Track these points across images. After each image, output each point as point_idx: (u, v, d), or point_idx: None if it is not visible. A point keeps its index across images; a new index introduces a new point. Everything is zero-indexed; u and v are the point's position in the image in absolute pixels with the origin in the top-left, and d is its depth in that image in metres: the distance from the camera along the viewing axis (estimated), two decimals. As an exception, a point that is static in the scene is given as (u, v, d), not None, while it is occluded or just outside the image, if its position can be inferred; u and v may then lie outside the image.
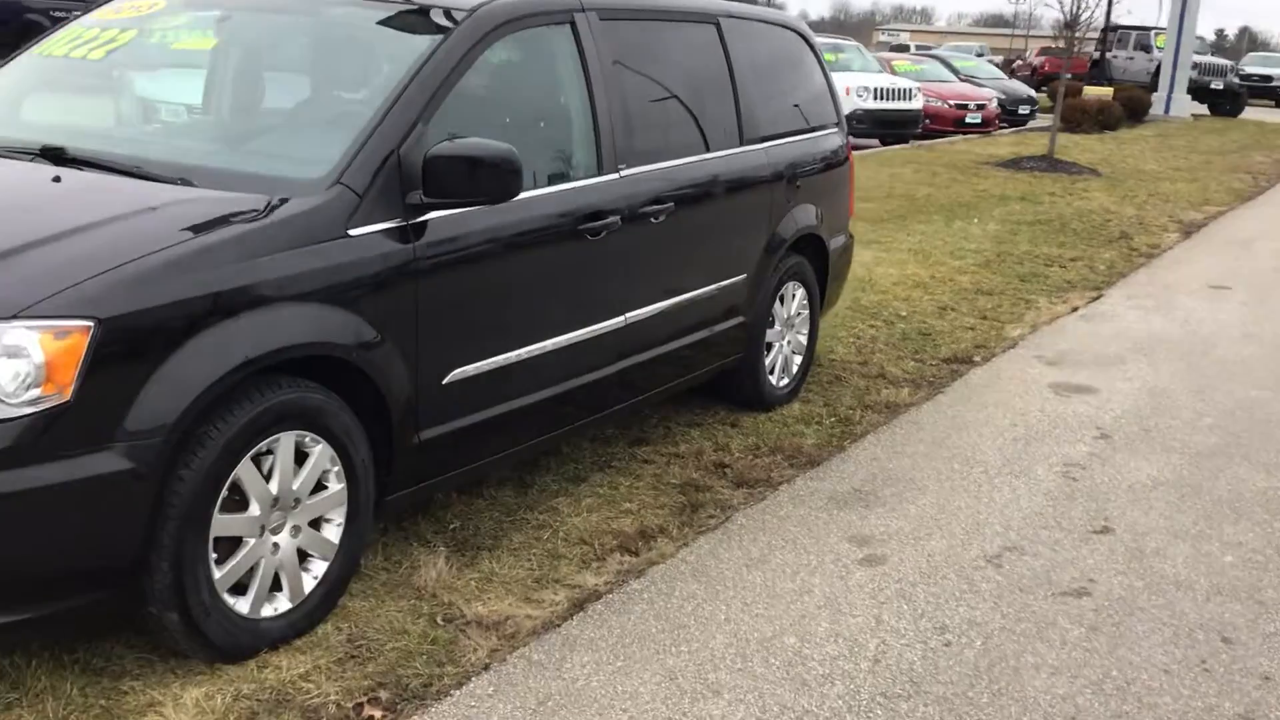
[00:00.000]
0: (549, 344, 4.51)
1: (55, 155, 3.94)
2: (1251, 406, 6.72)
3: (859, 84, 20.98)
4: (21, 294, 3.09)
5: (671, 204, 5.07)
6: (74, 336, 3.08)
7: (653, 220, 4.98)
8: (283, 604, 3.69)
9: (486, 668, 3.65)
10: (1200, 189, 16.83)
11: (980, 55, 43.14)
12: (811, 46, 6.73)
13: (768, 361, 6.21)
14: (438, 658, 3.69)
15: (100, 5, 5.01)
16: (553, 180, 4.58)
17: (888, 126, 21.39)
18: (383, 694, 3.49)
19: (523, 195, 4.18)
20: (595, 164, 4.75)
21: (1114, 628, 4.11)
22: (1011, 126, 26.53)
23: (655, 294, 5.10)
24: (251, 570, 3.57)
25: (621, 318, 4.89)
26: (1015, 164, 17.95)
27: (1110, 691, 3.71)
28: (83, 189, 3.76)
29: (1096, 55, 37.89)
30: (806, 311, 6.54)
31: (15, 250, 3.25)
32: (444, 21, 4.27)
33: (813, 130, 6.53)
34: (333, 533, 3.81)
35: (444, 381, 4.09)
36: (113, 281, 3.18)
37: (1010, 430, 6.12)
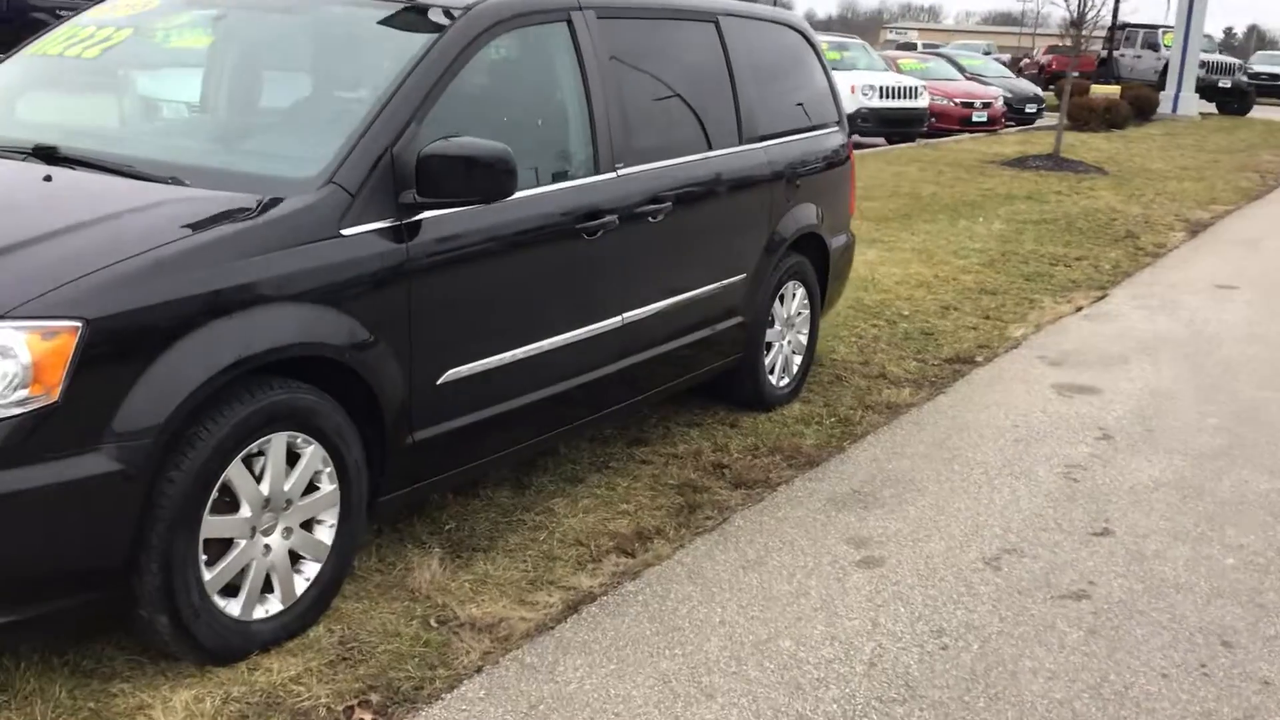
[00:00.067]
0: (545, 344, 4.49)
1: (47, 155, 3.92)
2: (1256, 407, 6.68)
3: (864, 82, 20.95)
4: (9, 294, 3.07)
5: (669, 203, 5.04)
6: (62, 337, 3.06)
7: (650, 220, 4.95)
8: (274, 606, 3.66)
9: (479, 670, 3.63)
10: (1207, 188, 16.77)
11: (987, 53, 42.99)
12: (812, 45, 6.70)
13: (767, 361, 6.18)
14: (430, 660, 3.67)
15: (96, 3, 5.00)
16: (549, 179, 4.56)
17: (893, 125, 21.35)
18: (373, 697, 3.47)
19: (518, 195, 4.16)
20: (592, 163, 4.73)
21: (1113, 631, 4.08)
22: (1018, 125, 26.46)
23: (653, 294, 5.07)
24: (243, 572, 3.55)
25: (619, 318, 4.86)
26: (1021, 163, 17.90)
27: (1108, 696, 3.68)
28: (73, 188, 3.74)
29: (1104, 53, 37.78)
30: (807, 311, 6.51)
31: (3, 250, 3.23)
32: (438, 20, 4.25)
33: (813, 129, 6.49)
34: (325, 534, 3.79)
35: (438, 382, 4.07)
36: (101, 282, 3.16)
37: (1011, 431, 6.09)
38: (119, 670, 3.49)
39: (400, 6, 4.39)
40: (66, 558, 3.15)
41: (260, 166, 3.89)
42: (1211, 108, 34.54)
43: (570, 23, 4.73)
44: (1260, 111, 35.36)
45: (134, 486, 3.18)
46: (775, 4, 7.76)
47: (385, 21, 4.39)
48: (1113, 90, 29.11)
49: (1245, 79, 36.80)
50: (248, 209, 3.56)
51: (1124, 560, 4.63)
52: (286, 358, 3.54)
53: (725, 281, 5.61)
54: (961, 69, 27.52)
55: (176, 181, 3.74)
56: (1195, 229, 13.22)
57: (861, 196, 13.48)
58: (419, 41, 4.15)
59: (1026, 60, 49.47)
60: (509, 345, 4.33)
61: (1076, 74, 22.43)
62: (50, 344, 3.05)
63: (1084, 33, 20.08)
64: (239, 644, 3.55)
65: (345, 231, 3.70)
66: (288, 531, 3.65)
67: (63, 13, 9.15)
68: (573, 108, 4.73)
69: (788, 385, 6.39)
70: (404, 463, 4.03)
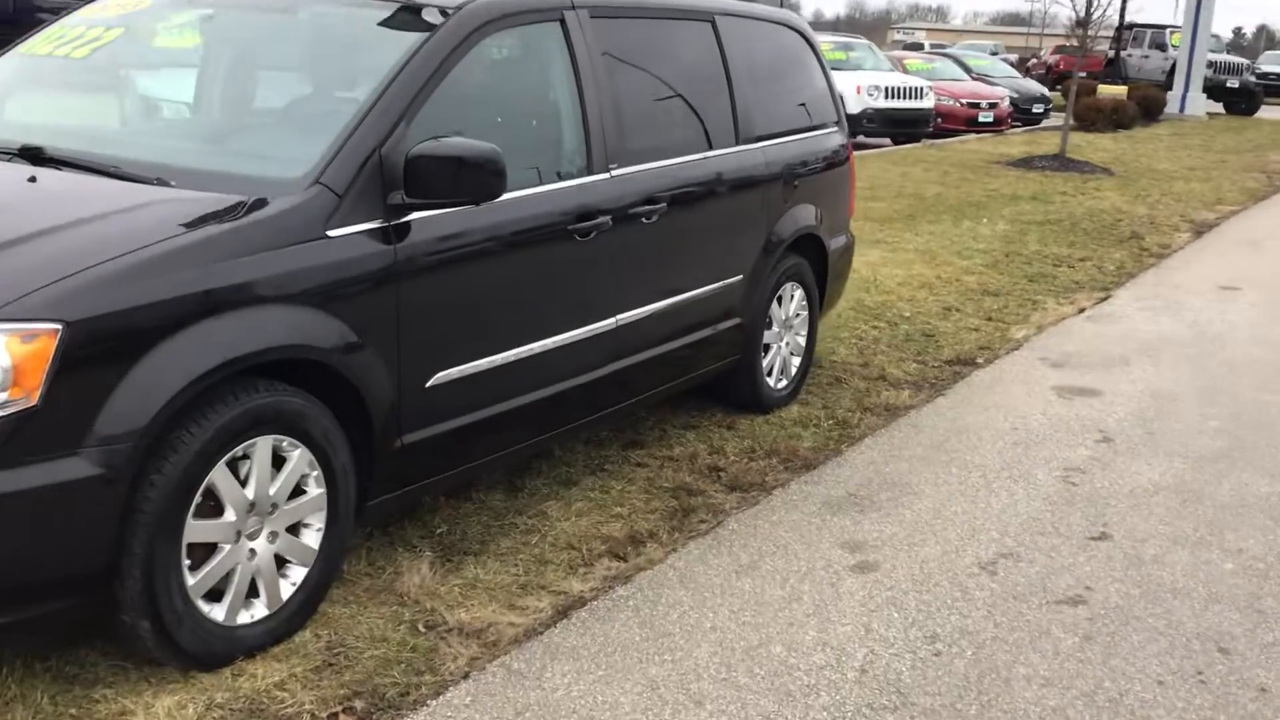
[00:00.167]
0: (537, 347, 4.45)
1: (33, 155, 3.89)
2: (1258, 410, 6.62)
3: (870, 83, 20.90)
4: (-11, 296, 3.04)
5: (664, 204, 5.00)
6: (41, 339, 3.03)
7: (644, 221, 4.91)
8: (260, 611, 3.63)
9: (465, 676, 3.59)
10: (1214, 188, 16.69)
11: (995, 54, 42.95)
12: (811, 44, 6.65)
13: (765, 363, 6.14)
14: (416, 666, 3.63)
15: (87, 3, 4.96)
16: (541, 180, 4.51)
17: (899, 125, 21.29)
18: (358, 703, 3.43)
19: (510, 195, 4.13)
20: (585, 164, 4.69)
21: (1108, 637, 4.03)
22: (1024, 125, 26.39)
23: (647, 295, 5.04)
24: (227, 577, 3.52)
25: (612, 320, 4.82)
26: (1027, 163, 17.84)
27: (1102, 704, 3.63)
28: (58, 189, 3.71)
29: (1111, 54, 37.69)
30: (805, 313, 6.47)
31: (-15, 252, 3.20)
32: (429, 19, 4.21)
33: (812, 129, 6.45)
34: (312, 538, 3.75)
35: (427, 385, 4.03)
36: (82, 284, 3.13)
37: (1011, 434, 6.04)
38: (102, 676, 3.46)
39: (390, 6, 4.35)
40: (46, 563, 3.12)
41: (246, 167, 3.86)
42: (1219, 108, 34.43)
43: (563, 22, 4.69)
44: (1268, 112, 35.24)
45: (115, 491, 3.15)
46: (782, 3, 7.70)
47: (375, 21, 4.34)
48: (1120, 90, 29.03)
49: (1253, 79, 36.64)
50: (232, 210, 3.52)
51: (1121, 565, 4.58)
52: (272, 360, 3.50)
53: (721, 283, 5.57)
54: (968, 69, 27.45)
55: (162, 182, 3.70)
56: (1201, 230, 13.16)
57: (865, 197, 13.45)
58: (409, 41, 4.12)
59: (1034, 60, 49.38)
60: (500, 348, 4.29)
61: (1083, 74, 22.36)
62: (30, 347, 3.01)
63: (1090, 33, 20.02)
64: (223, 649, 3.52)
65: (332, 233, 3.67)
66: (273, 536, 3.62)
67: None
68: (565, 108, 4.69)
69: (786, 387, 6.35)
70: (393, 466, 3.99)
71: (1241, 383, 7.15)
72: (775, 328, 6.19)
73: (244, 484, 3.49)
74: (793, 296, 6.31)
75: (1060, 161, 17.81)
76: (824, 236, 6.45)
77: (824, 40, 22.99)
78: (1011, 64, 37.76)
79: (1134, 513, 5.10)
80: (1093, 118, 24.85)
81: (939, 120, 22.56)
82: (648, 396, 5.32)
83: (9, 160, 3.90)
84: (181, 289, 3.29)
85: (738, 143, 5.71)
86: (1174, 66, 33.19)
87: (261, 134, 4.32)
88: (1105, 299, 9.39)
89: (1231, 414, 6.52)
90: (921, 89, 21.76)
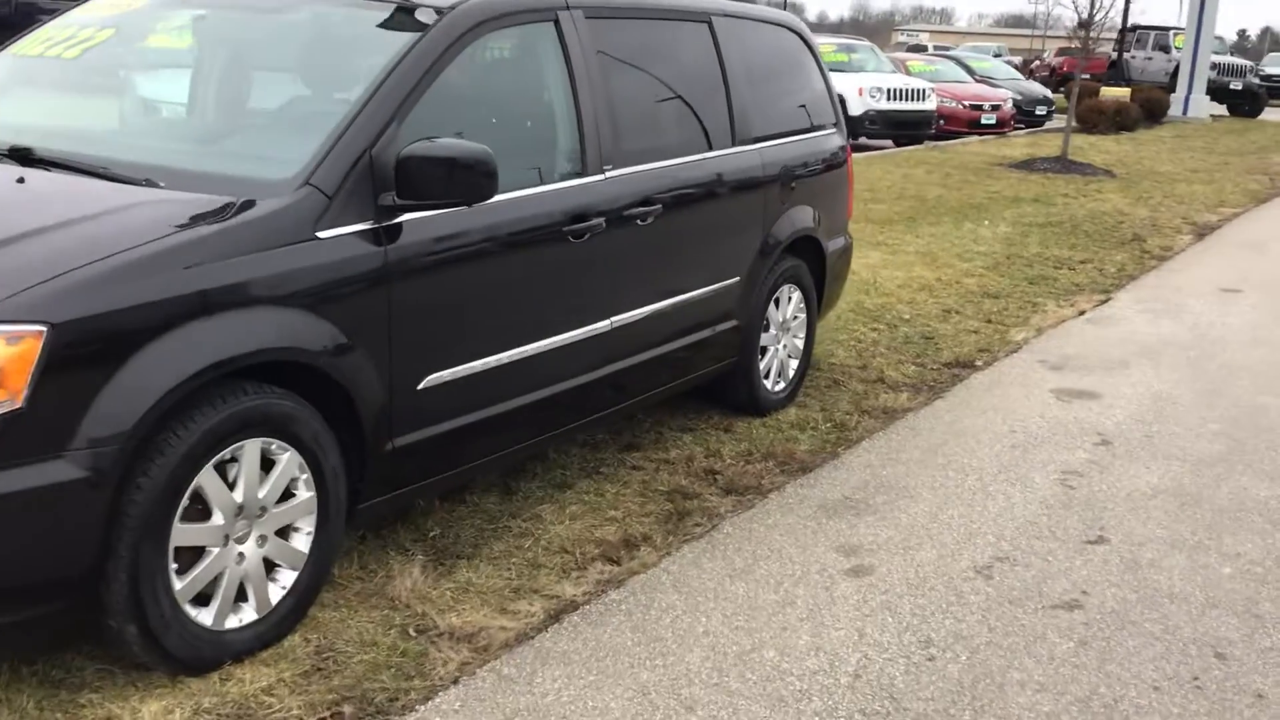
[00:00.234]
0: (530, 349, 4.43)
1: (22, 156, 3.87)
2: (1257, 413, 6.59)
3: (872, 84, 20.87)
4: (-28, 298, 3.02)
5: (659, 206, 4.97)
6: (26, 341, 3.00)
7: (639, 222, 4.89)
8: (249, 615, 3.60)
9: (455, 681, 3.57)
10: (1216, 191, 16.66)
11: (998, 55, 42.91)
12: (809, 46, 6.63)
13: (762, 366, 6.11)
14: (406, 671, 3.61)
15: (80, 3, 4.95)
16: (535, 181, 4.48)
17: (901, 127, 21.26)
18: (346, 709, 3.40)
19: (503, 197, 4.12)
20: (580, 165, 4.66)
21: (1104, 642, 4.00)
22: (1028, 127, 26.35)
23: (643, 297, 5.01)
24: (215, 581, 3.49)
25: (607, 321, 4.80)
26: (1029, 165, 17.80)
27: (1097, 710, 3.60)
28: (46, 191, 3.68)
29: (1114, 55, 37.64)
30: (803, 315, 6.44)
31: (-30, 254, 3.18)
32: (421, 19, 4.18)
33: (810, 131, 6.42)
34: (302, 542, 3.73)
35: (419, 387, 4.01)
36: (67, 285, 3.11)
37: (1009, 436, 6.01)
38: (88, 680, 3.43)
39: (382, 5, 4.33)
40: (30, 566, 3.10)
41: (236, 168, 3.84)
42: (1223, 110, 34.38)
43: (557, 23, 4.66)
44: (1272, 114, 35.22)
45: (100, 494, 3.12)
46: (786, 5, 7.67)
47: (367, 21, 4.32)
48: (1123, 92, 28.98)
49: (1257, 81, 36.59)
50: (220, 211, 3.50)
51: (1118, 569, 4.55)
52: (260, 362, 3.48)
53: (717, 285, 5.54)
54: (971, 71, 27.41)
55: (151, 183, 3.68)
56: (1203, 232, 13.12)
57: (866, 199, 13.43)
58: (400, 41, 4.09)
59: (1037, 62, 49.35)
60: (492, 350, 4.26)
61: (1086, 76, 22.31)
62: (14, 349, 2.99)
63: (1093, 34, 19.98)
64: (211, 654, 3.49)
65: (321, 234, 3.64)
66: (262, 539, 3.59)
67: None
68: (559, 109, 4.66)
69: (783, 390, 6.32)
70: (384, 469, 3.97)
71: (1241, 385, 7.12)
72: (772, 330, 6.16)
73: (232, 487, 3.47)
74: (790, 299, 6.28)
75: (1062, 163, 17.78)
76: (822, 238, 6.43)
77: (826, 42, 23.05)
78: (1015, 66, 37.75)
79: (1131, 516, 5.06)
80: (1095, 120, 24.81)
81: (941, 122, 22.53)
82: (644, 399, 5.30)
83: (-1, 161, 3.88)
84: (168, 291, 3.26)
85: (734, 144, 5.68)
86: (1177, 68, 33.13)
87: (252, 135, 4.29)
88: (1105, 301, 9.36)
89: (1231, 417, 6.49)
90: (924, 91, 21.73)
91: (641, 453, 5.50)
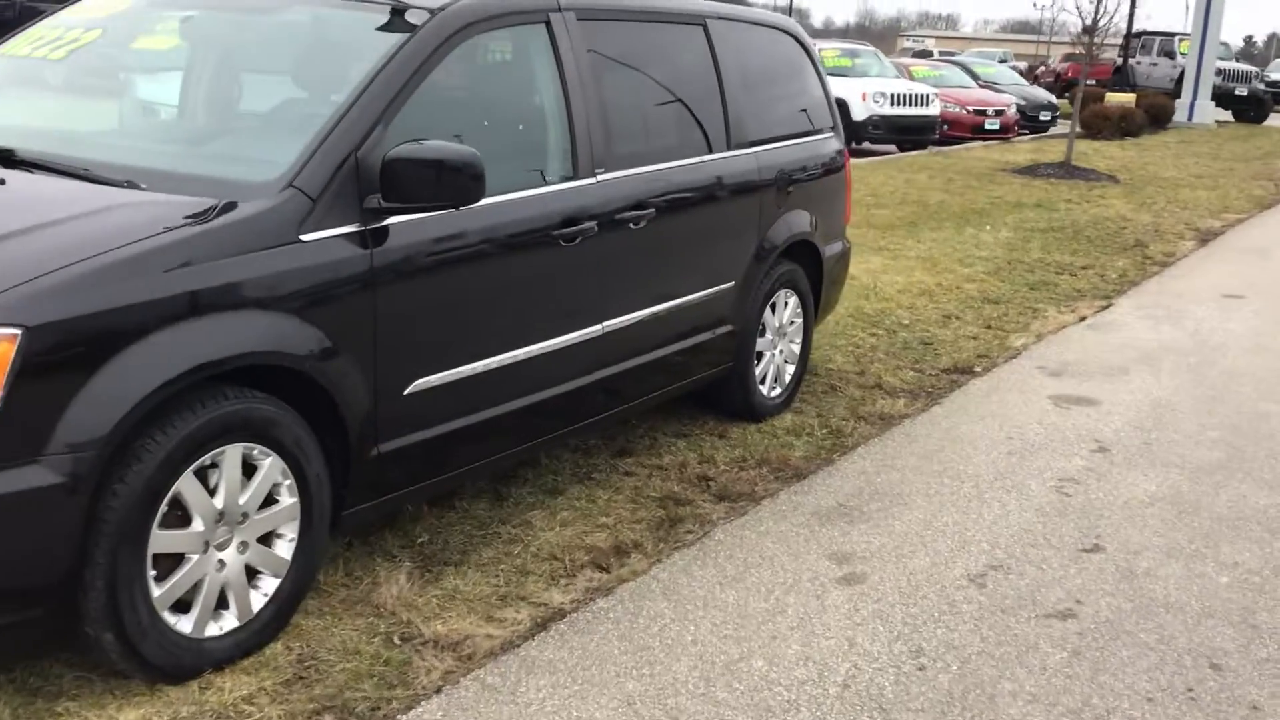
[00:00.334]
0: (520, 353, 4.38)
1: (4, 157, 3.83)
2: (1258, 420, 6.53)
3: (875, 89, 20.83)
4: (-53, 301, 2.98)
5: (652, 210, 4.93)
6: (1, 345, 2.96)
7: (632, 226, 4.84)
8: (230, 622, 3.55)
9: (438, 691, 3.52)
10: (1220, 196, 16.59)
11: (1003, 61, 42.79)
12: (806, 49, 6.58)
13: (758, 371, 6.06)
14: (389, 680, 3.56)
15: (70, 3, 4.91)
16: (525, 184, 4.43)
17: (904, 132, 21.21)
18: (327, 718, 3.36)
19: (492, 200, 4.08)
20: (571, 168, 4.62)
21: (1098, 652, 3.95)
22: (1032, 133, 26.29)
23: (635, 302, 4.96)
24: (195, 588, 3.44)
25: (599, 326, 4.75)
26: (1032, 170, 17.75)
27: (1089, 721, 3.55)
28: (27, 192, 3.64)
29: (1120, 61, 37.57)
30: (800, 320, 6.39)
31: (-54, 256, 3.14)
32: (410, 20, 4.14)
33: (807, 135, 6.37)
34: (284, 549, 3.68)
35: (405, 392, 3.96)
36: (43, 288, 3.06)
37: (1005, 443, 5.95)
38: (66, 688, 3.39)
39: (370, 6, 4.28)
40: (4, 573, 3.05)
41: (219, 170, 3.80)
42: (1228, 116, 34.30)
43: (549, 24, 4.62)
44: (1277, 119, 35.14)
45: (76, 500, 3.08)
46: (791, 10, 7.62)
47: (354, 22, 4.28)
48: (1128, 98, 28.91)
49: (1262, 87, 36.50)
50: (202, 213, 3.45)
51: (1113, 578, 4.50)
52: (242, 367, 3.43)
53: (712, 290, 5.49)
54: (975, 76, 27.37)
55: (132, 185, 3.64)
56: (1206, 238, 13.06)
57: (869, 204, 13.38)
58: (388, 42, 4.05)
59: (1042, 68, 49.30)
60: (481, 354, 4.22)
61: (1092, 82, 22.25)
62: (-12, 352, 2.95)
63: (1098, 40, 19.93)
64: (190, 662, 3.44)
65: (305, 237, 3.60)
66: (244, 546, 3.55)
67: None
68: (551, 111, 4.62)
69: (779, 395, 6.27)
70: (369, 475, 3.92)
71: (1242, 392, 7.06)
72: (769, 335, 6.11)
73: (213, 493, 3.43)
74: (787, 304, 6.23)
75: (1066, 169, 17.72)
76: (819, 243, 6.38)
77: (829, 47, 23.04)
78: (1020, 72, 37.69)
79: (1128, 524, 5.01)
80: (1100, 125, 24.77)
81: (945, 127, 22.48)
82: (636, 404, 5.25)
83: (-20, 163, 3.84)
84: (147, 294, 3.22)
85: (729, 148, 5.63)
86: (1182, 74, 33.07)
87: (236, 137, 4.25)
88: (1107, 307, 9.30)
89: (1231, 424, 6.43)
90: (927, 96, 21.67)
91: (635, 458, 5.45)
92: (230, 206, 3.50)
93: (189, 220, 3.42)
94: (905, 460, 5.65)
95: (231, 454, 3.44)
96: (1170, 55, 36.41)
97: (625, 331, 4.91)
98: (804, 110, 6.45)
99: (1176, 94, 32.14)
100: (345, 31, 4.33)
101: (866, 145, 20.90)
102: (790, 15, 7.47)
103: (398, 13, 4.18)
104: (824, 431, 6.01)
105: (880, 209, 13.27)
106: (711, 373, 5.73)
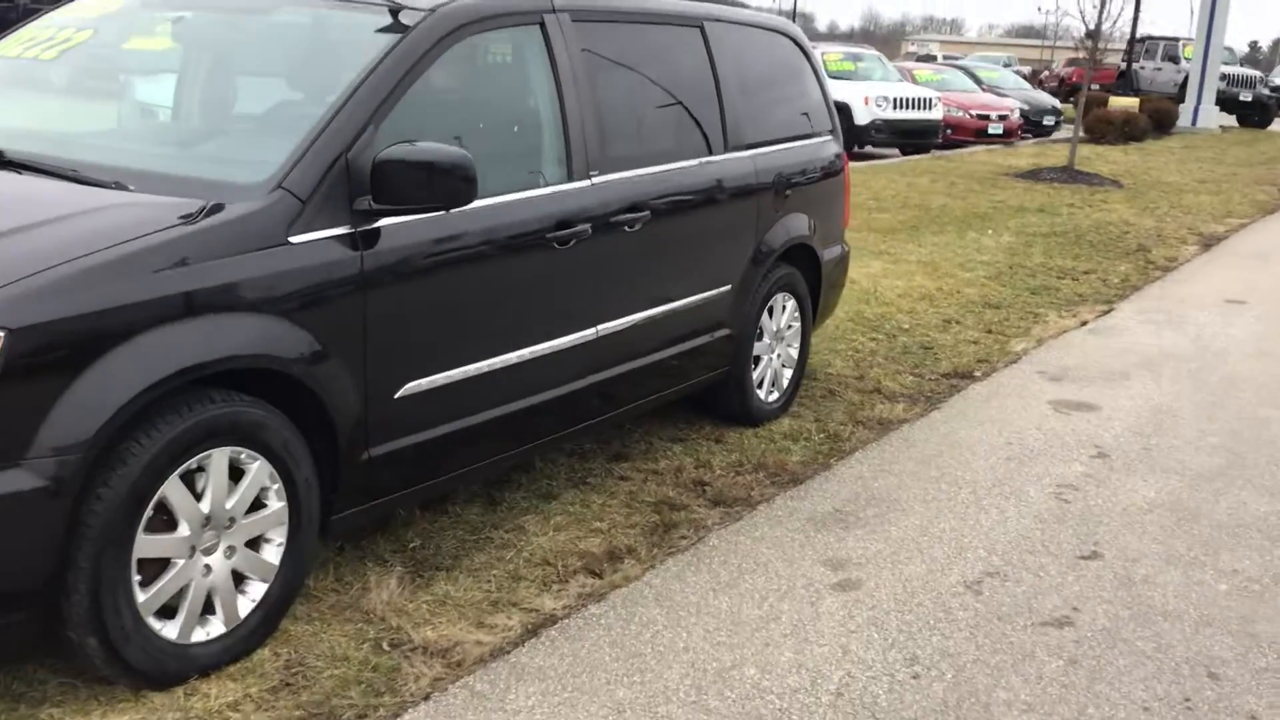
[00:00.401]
0: (512, 357, 4.34)
1: (-7, 158, 3.80)
2: (1259, 426, 6.49)
3: (878, 93, 20.79)
4: (-72, 303, 2.95)
5: (648, 212, 4.89)
6: (-18, 347, 2.93)
7: (627, 229, 4.80)
8: (216, 628, 3.52)
9: (426, 698, 3.48)
10: (1223, 201, 16.54)
11: (1007, 65, 42.73)
12: (805, 52, 6.54)
13: (755, 375, 6.03)
14: (377, 687, 3.52)
15: (63, 4, 4.88)
16: (518, 187, 4.39)
17: (907, 136, 21.15)
18: (312, 725, 3.32)
19: (485, 202, 4.05)
20: (565, 171, 4.58)
21: (1094, 661, 3.90)
22: (1035, 137, 26.24)
23: (630, 305, 4.93)
24: (181, 593, 3.41)
25: (593, 330, 4.72)
26: (1035, 175, 17.71)
27: (1085, 730, 3.51)
28: (13, 193, 3.60)
29: (1123, 66, 37.52)
30: (798, 324, 6.35)
31: (-72, 257, 3.10)
32: (402, 21, 4.10)
33: (805, 138, 6.33)
34: (272, 553, 3.64)
35: (396, 396, 3.93)
36: (26, 290, 3.03)
37: (1004, 449, 5.91)
38: (50, 694, 3.35)
39: (362, 7, 4.25)
40: (-14, 577, 3.02)
41: (208, 171, 3.76)
42: (1232, 120, 34.25)
43: (543, 25, 4.58)
44: (1281, 125, 35.10)
45: (60, 503, 3.05)
46: (795, 13, 7.59)
47: (346, 23, 4.26)
48: (1131, 103, 28.86)
49: (1267, 92, 36.44)
50: (188, 215, 3.42)
51: (1111, 585, 4.46)
52: (228, 370, 3.40)
53: (708, 293, 5.45)
54: (979, 81, 27.32)
55: (120, 186, 3.61)
56: (1208, 242, 13.02)
57: (870, 208, 13.34)
58: (380, 43, 4.01)
59: (1046, 73, 49.24)
60: (473, 358, 4.18)
61: (1095, 86, 22.21)
62: (-30, 354, 2.92)
63: (1102, 45, 19.89)
64: (176, 668, 3.41)
65: (294, 239, 3.56)
66: (230, 550, 3.51)
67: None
68: (545, 113, 4.58)
69: (777, 400, 6.24)
70: (359, 479, 3.89)
71: (1243, 398, 7.02)
72: (766, 339, 6.07)
73: (199, 497, 3.39)
74: (784, 307, 6.20)
75: (1069, 173, 17.68)
76: (817, 247, 6.34)
77: (832, 51, 22.99)
78: (1024, 76, 37.62)
79: (1127, 531, 4.97)
80: (1103, 130, 24.71)
81: (948, 131, 22.43)
82: (631, 408, 5.21)
83: (-31, 164, 3.80)
84: (133, 296, 3.19)
85: (726, 150, 5.59)
86: (1186, 79, 33.02)
87: (226, 138, 4.22)
88: (1108, 312, 9.26)
89: (1232, 430, 6.39)
90: (930, 100, 21.63)
91: (630, 463, 5.42)
92: (218, 208, 3.47)
93: (176, 222, 3.38)
94: (903, 465, 5.61)
95: (218, 458, 3.41)
96: (1174, 60, 36.36)
97: (620, 335, 4.87)
98: (802, 113, 6.41)
99: (1180, 99, 32.10)
100: (337, 32, 4.30)
101: (869, 149, 20.86)
102: (795, 19, 7.45)
103: (391, 13, 4.15)
104: (821, 436, 5.97)
105: (882, 213, 13.23)
106: (708, 377, 5.69)
